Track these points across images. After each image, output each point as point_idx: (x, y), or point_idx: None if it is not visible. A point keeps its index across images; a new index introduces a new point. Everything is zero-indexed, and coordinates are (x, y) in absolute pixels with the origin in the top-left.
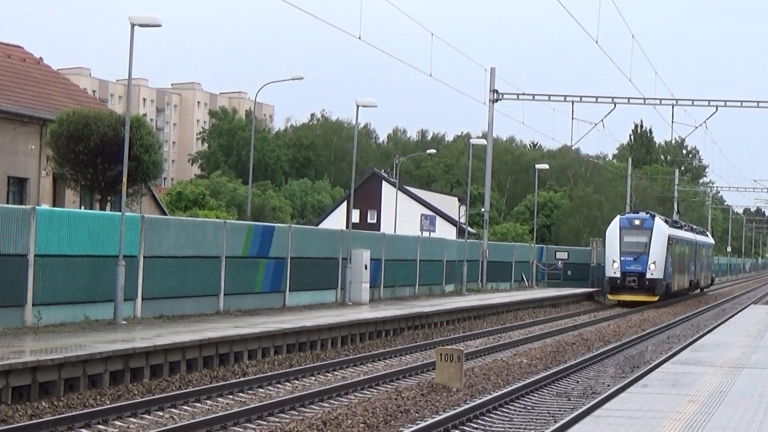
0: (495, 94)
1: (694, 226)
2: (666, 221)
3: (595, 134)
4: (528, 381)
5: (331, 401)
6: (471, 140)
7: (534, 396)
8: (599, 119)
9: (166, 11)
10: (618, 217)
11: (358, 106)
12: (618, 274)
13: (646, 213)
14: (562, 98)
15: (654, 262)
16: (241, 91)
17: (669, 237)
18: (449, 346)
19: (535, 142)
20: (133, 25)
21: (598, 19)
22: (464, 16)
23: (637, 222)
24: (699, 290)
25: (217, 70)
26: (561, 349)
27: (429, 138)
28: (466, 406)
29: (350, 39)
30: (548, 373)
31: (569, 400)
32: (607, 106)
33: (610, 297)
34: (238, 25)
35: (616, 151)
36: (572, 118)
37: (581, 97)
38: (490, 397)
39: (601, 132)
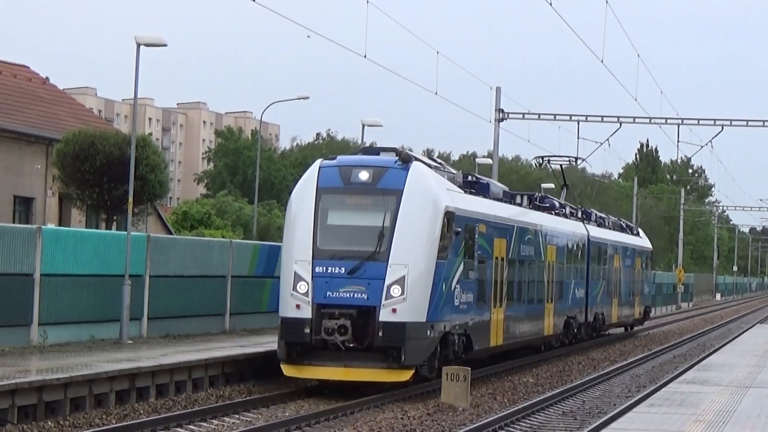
0: (501, 114)
1: (610, 217)
2: (466, 179)
3: (600, 153)
4: (534, 400)
5: (338, 421)
6: (477, 159)
7: (540, 415)
8: (605, 138)
9: (171, 31)
10: (318, 163)
11: (363, 126)
12: (305, 313)
13: (392, 151)
14: (568, 117)
15: (402, 281)
16: (246, 111)
17: (454, 214)
18: (455, 366)
19: (541, 162)
20: (138, 45)
21: (603, 39)
22: (470, 35)
23: (363, 175)
24: (595, 334)
25: (222, 89)
26: (567, 368)
27: (435, 156)
28: (472, 426)
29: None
30: (555, 392)
31: (576, 419)
32: (613, 126)
33: (285, 369)
34: (243, 44)
35: (622, 170)
36: (578, 138)
37: (587, 116)
38: (496, 416)
39: (607, 151)
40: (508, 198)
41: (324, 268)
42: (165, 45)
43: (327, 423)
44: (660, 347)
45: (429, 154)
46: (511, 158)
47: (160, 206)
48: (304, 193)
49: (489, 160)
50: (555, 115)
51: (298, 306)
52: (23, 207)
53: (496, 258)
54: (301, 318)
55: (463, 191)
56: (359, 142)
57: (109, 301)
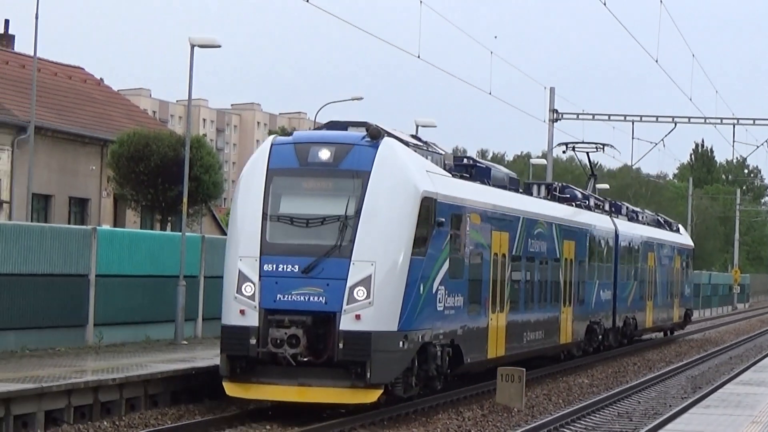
0: (555, 114)
1: (645, 211)
2: (460, 162)
3: (655, 154)
4: (590, 401)
5: (394, 422)
6: (531, 160)
7: (596, 416)
8: (659, 139)
9: (225, 32)
10: (270, 139)
11: (417, 126)
12: (250, 320)
13: (363, 126)
14: (622, 118)
15: (368, 281)
16: (300, 112)
17: (435, 201)
18: (510, 367)
19: (596, 162)
20: (193, 46)
21: (658, 39)
22: (524, 35)
23: (324, 154)
24: (626, 341)
25: (276, 90)
26: (622, 369)
27: (489, 157)
28: (528, 427)
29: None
30: (610, 393)
31: (631, 420)
32: (668, 126)
33: (228, 388)
34: (297, 45)
35: (677, 171)
36: (632, 138)
37: (641, 116)
38: (551, 417)
39: (662, 151)
40: (516, 186)
41: (274, 266)
42: (219, 46)
43: (384, 423)
44: (716, 348)
45: (483, 154)
46: (565, 158)
47: (215, 207)
48: (251, 175)
49: (543, 161)
50: (609, 115)
51: (242, 312)
52: (78, 208)
53: (496, 254)
54: (246, 326)
55: (450, 175)
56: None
57: (163, 301)
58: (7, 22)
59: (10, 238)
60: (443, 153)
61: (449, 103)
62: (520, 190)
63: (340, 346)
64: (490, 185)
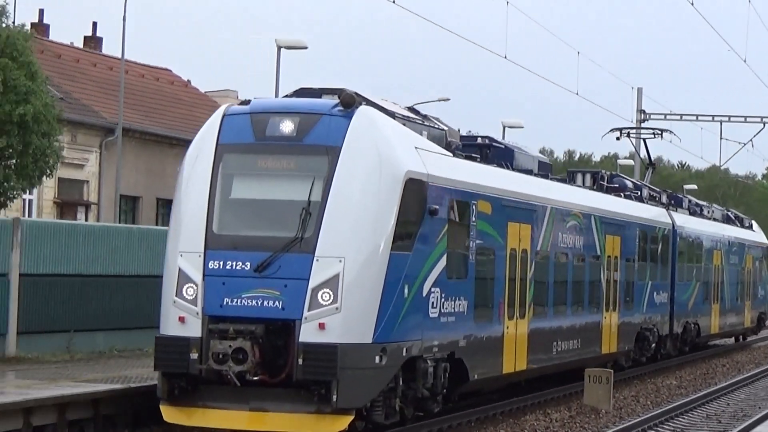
0: (642, 114)
1: (714, 206)
2: (473, 141)
3: (744, 154)
4: (678, 403)
5: (481, 423)
6: (618, 160)
7: (684, 418)
8: (748, 139)
9: (311, 32)
10: (223, 109)
11: (504, 127)
12: (191, 329)
13: (334, 94)
14: (710, 118)
15: (335, 281)
16: None
17: (425, 184)
18: (597, 368)
19: (683, 162)
20: (279, 48)
21: (746, 38)
22: (611, 35)
23: (286, 126)
24: (687, 349)
25: (362, 90)
26: (711, 371)
27: (576, 158)
28: (616, 428)
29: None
30: (698, 395)
31: (720, 422)
32: (756, 126)
33: (166, 413)
34: (383, 45)
35: (766, 171)
36: (720, 138)
37: (729, 116)
38: (639, 419)
39: (750, 152)
40: (547, 172)
41: (220, 264)
42: (305, 47)
43: (470, 421)
44: None
45: (570, 155)
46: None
47: None
48: (198, 152)
49: (631, 161)
50: (697, 115)
51: (181, 319)
52: (166, 209)
53: (514, 250)
54: (185, 337)
55: (452, 154)
56: None
57: None
58: (95, 24)
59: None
60: (445, 129)
61: (536, 103)
62: (551, 176)
63: (300, 362)
64: (511, 169)
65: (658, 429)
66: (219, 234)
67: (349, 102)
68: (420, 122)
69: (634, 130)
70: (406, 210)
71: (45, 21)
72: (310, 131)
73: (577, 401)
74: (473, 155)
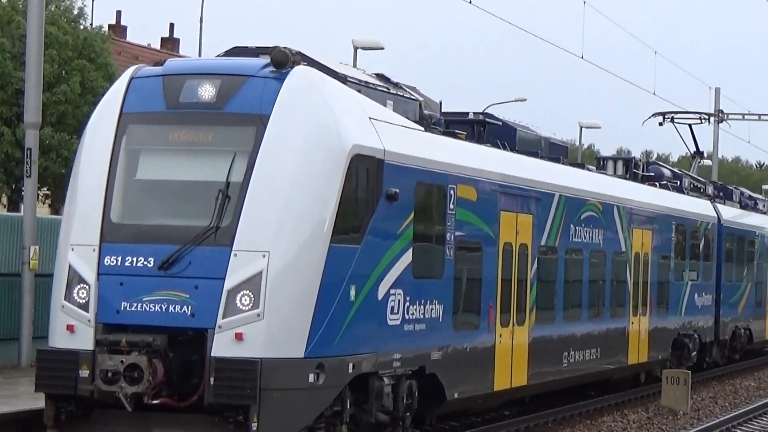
0: (720, 114)
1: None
2: (463, 117)
3: None
4: (756, 404)
5: (558, 424)
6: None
7: (762, 420)
8: None
9: (387, 33)
10: (130, 71)
11: (581, 127)
12: (81, 341)
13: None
14: None
15: (256, 281)
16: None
17: (382, 162)
18: (675, 369)
19: (762, 163)
20: (356, 48)
21: None
22: (688, 34)
23: (205, 91)
24: (737, 356)
25: (439, 90)
26: None
27: (653, 158)
28: (694, 430)
29: (573, 58)
30: None
31: None
32: None
33: None
34: (460, 46)
35: None
36: None
37: None
38: (717, 420)
39: None
40: (562, 155)
41: (118, 259)
42: (382, 48)
43: (551, 426)
44: None
45: (647, 155)
46: (731, 159)
47: None
48: (98, 123)
49: (709, 162)
50: None
51: (70, 328)
52: None
53: (508, 245)
54: (74, 351)
55: (425, 129)
56: (576, 144)
57: None
58: (172, 25)
59: None
60: (420, 99)
61: (613, 103)
62: (564, 161)
63: (212, 381)
64: (513, 151)
65: (737, 431)
66: (118, 223)
67: (282, 61)
68: (385, 90)
69: (679, 115)
70: (353, 193)
71: (122, 23)
72: (233, 97)
73: (655, 402)
74: (458, 132)
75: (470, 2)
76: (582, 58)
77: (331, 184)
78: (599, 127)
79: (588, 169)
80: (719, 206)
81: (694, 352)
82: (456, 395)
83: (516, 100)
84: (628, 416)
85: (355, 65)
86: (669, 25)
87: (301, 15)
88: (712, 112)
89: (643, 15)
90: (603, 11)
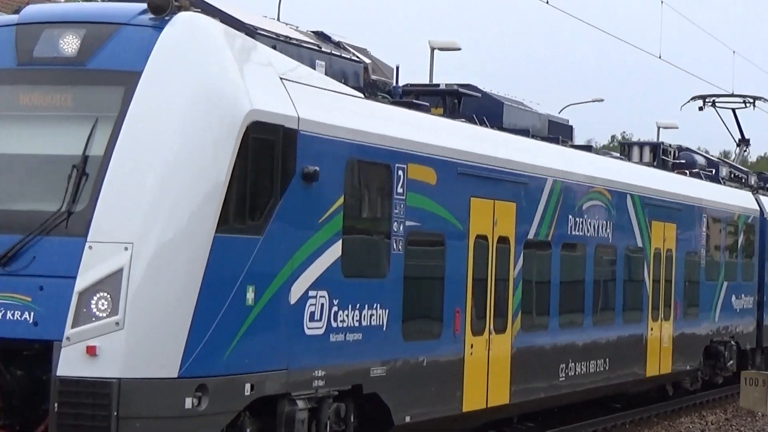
0: None
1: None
2: (434, 87)
3: None
4: None
5: (636, 426)
6: None
7: None
8: None
9: (464, 33)
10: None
11: (659, 128)
12: None
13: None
14: None
15: (115, 280)
16: None
17: (296, 132)
18: (754, 371)
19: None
20: (433, 49)
21: None
22: (766, 33)
23: (66, 43)
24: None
25: (514, 90)
26: None
27: (731, 158)
28: None
29: (650, 58)
30: None
31: None
32: None
33: None
34: (537, 46)
35: None
36: None
37: None
38: None
39: None
40: (566, 136)
41: None
42: (459, 49)
43: (628, 427)
44: None
45: (725, 155)
46: None
47: None
48: None
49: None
50: None
51: None
52: None
53: (482, 237)
54: None
55: (363, 96)
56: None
57: None
58: None
59: None
60: (366, 62)
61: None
62: (566, 142)
63: (56, 407)
64: (499, 129)
65: None
66: None
67: (162, 5)
68: (314, 48)
69: (721, 99)
70: (250, 170)
71: None
72: (99, 50)
73: (733, 404)
74: (422, 104)
75: (547, 2)
76: (660, 57)
77: (218, 159)
78: (677, 128)
79: (611, 157)
80: (763, 198)
81: (731, 361)
82: (408, 419)
83: (593, 101)
84: (706, 417)
85: (431, 66)
86: (748, 25)
87: (376, 12)
88: (757, 96)
89: (721, 14)
90: (681, 10)
